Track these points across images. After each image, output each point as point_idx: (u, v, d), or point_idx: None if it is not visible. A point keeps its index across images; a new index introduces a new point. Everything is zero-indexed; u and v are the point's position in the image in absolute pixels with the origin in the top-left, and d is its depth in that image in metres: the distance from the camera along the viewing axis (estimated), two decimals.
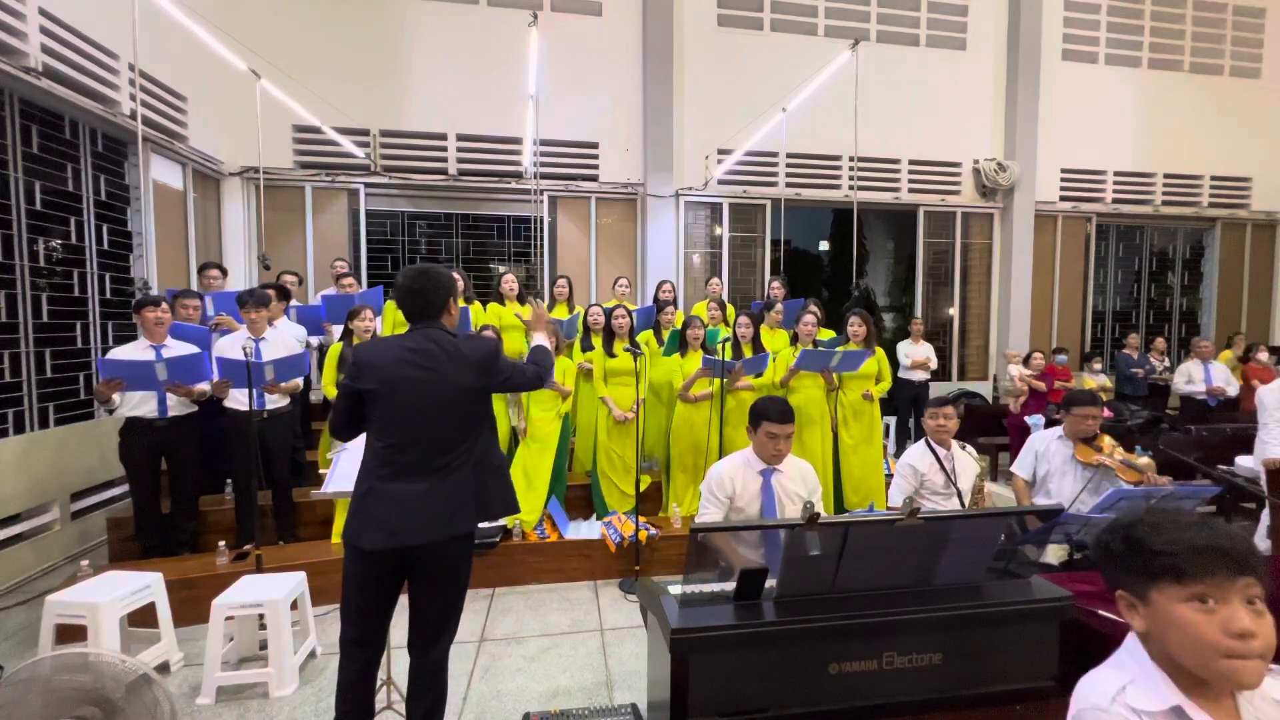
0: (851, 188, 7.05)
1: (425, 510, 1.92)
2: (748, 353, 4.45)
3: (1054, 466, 3.16)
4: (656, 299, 5.41)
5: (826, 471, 4.35)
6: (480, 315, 5.06)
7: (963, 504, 2.98)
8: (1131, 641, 0.99)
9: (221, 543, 3.53)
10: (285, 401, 3.89)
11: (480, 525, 3.90)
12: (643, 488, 4.27)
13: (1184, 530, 0.92)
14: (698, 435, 4.31)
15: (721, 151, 6.96)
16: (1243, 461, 4.24)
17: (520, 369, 2.18)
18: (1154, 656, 0.94)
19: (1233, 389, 6.50)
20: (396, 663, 2.34)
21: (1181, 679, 0.92)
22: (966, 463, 3.07)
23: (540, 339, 2.39)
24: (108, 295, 4.73)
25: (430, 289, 2.06)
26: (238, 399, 3.70)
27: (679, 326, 4.79)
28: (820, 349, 4.41)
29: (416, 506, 1.92)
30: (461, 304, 5.10)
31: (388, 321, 5.12)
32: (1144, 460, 3.09)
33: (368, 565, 1.95)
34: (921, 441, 3.09)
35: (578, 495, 4.51)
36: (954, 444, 3.10)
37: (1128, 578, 0.97)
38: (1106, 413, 5.83)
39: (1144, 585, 0.94)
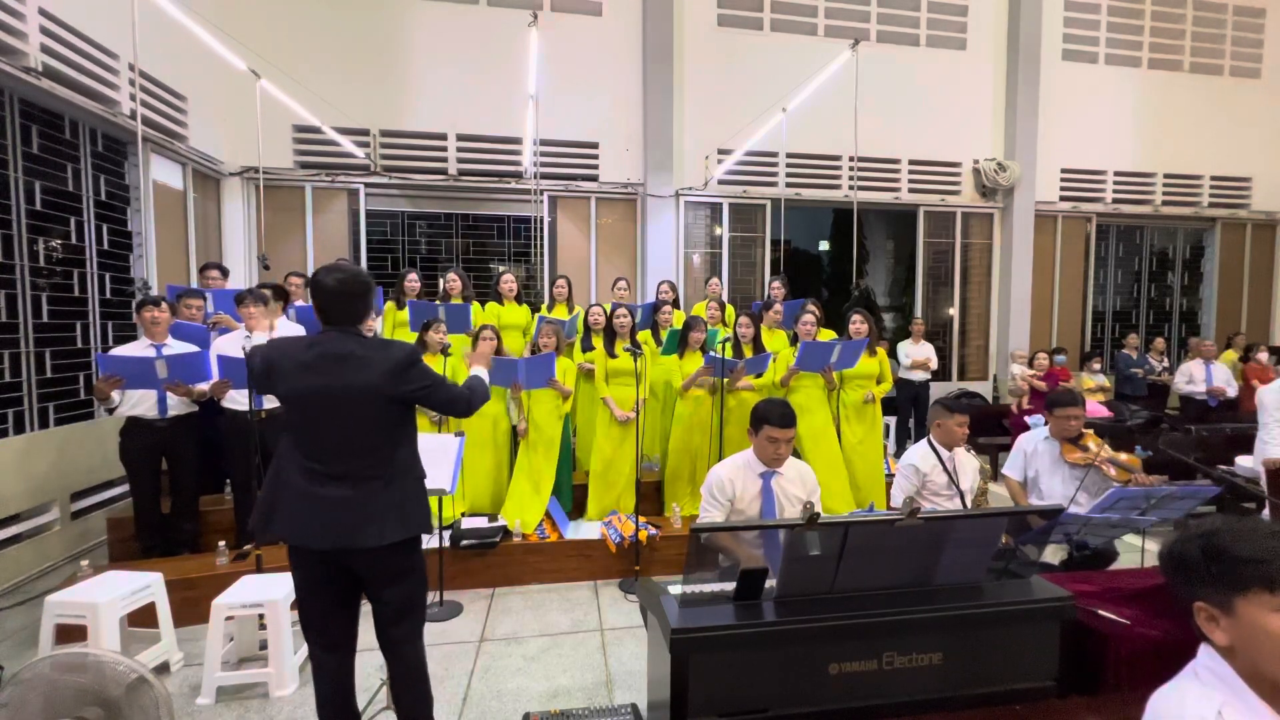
0: (851, 188, 7.05)
1: (333, 516, 1.87)
2: (748, 353, 4.45)
3: (1042, 467, 3.17)
4: (657, 298, 5.42)
5: (833, 456, 4.34)
6: (480, 315, 5.06)
7: (965, 505, 2.98)
8: (1210, 656, 0.94)
9: (221, 543, 3.52)
10: None
11: (480, 525, 3.93)
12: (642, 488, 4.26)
13: (1272, 538, 0.89)
14: (697, 435, 4.31)
15: (721, 151, 6.96)
16: (1243, 461, 4.24)
17: (447, 384, 2.07)
18: (1241, 673, 0.90)
19: (1233, 389, 6.50)
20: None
21: (1269, 696, 0.88)
22: (968, 464, 3.07)
23: (479, 371, 2.29)
24: (108, 295, 4.73)
25: (362, 293, 1.98)
26: (236, 399, 3.70)
27: (677, 326, 4.79)
28: (821, 341, 4.41)
29: (325, 510, 1.87)
30: (459, 301, 5.14)
31: (388, 322, 5.13)
32: (1126, 457, 3.09)
33: (310, 568, 1.94)
34: (924, 441, 3.08)
35: (578, 495, 4.51)
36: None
37: (1208, 588, 0.93)
38: (1106, 412, 5.85)
39: (1229, 596, 0.90)
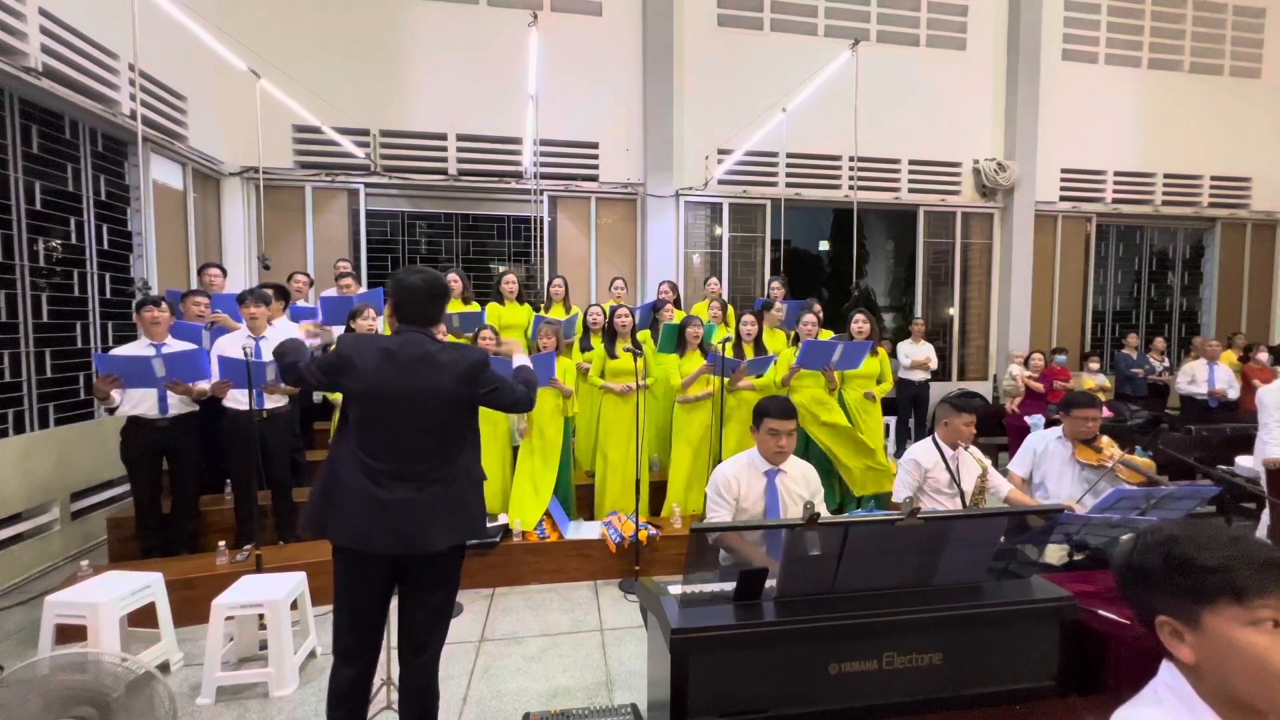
0: (851, 188, 7.05)
1: (398, 519, 1.87)
2: (749, 352, 4.45)
3: (1052, 467, 3.15)
4: (658, 298, 5.41)
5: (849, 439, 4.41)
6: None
7: (964, 505, 2.98)
8: (1171, 674, 0.86)
9: (221, 543, 3.52)
10: (284, 401, 3.89)
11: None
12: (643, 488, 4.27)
13: (1237, 545, 0.82)
14: (698, 434, 4.31)
15: (721, 151, 6.96)
16: (1243, 461, 4.24)
17: (510, 385, 2.10)
18: (1201, 693, 0.83)
19: (1234, 391, 6.49)
20: (396, 663, 2.34)
21: (1231, 717, 0.81)
22: (970, 464, 3.07)
23: (520, 359, 2.33)
24: (108, 295, 4.72)
25: (442, 294, 2.07)
26: (237, 399, 3.70)
27: (674, 322, 4.78)
28: (823, 341, 4.42)
29: (389, 513, 1.87)
30: (459, 306, 5.13)
31: (389, 324, 5.11)
32: (1143, 460, 3.09)
33: (355, 569, 1.92)
34: (928, 439, 3.09)
35: (578, 495, 4.50)
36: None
37: (1172, 601, 0.84)
38: (1106, 412, 5.84)
39: (1195, 608, 0.82)
